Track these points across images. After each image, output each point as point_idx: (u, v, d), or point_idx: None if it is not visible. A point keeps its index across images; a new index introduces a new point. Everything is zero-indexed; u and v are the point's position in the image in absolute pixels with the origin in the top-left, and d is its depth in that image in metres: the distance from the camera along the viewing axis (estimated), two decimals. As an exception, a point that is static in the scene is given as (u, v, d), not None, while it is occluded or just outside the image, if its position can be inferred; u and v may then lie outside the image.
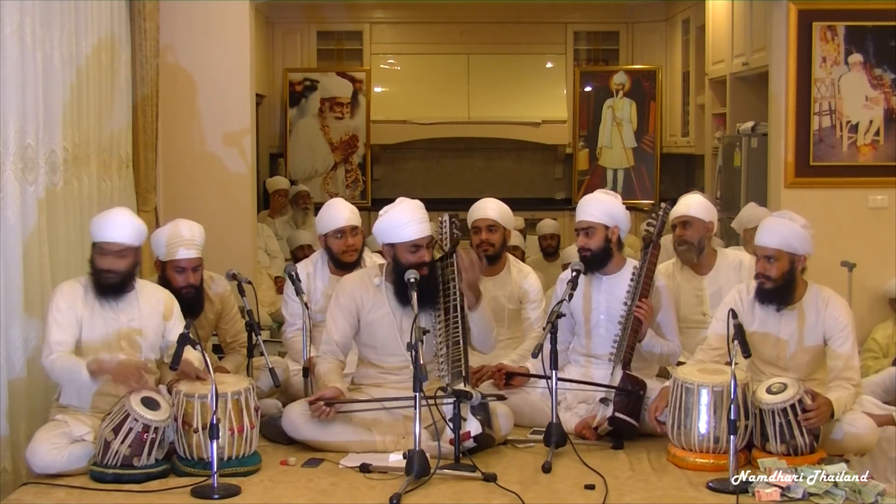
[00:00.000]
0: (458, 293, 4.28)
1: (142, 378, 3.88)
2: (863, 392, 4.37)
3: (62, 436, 3.86)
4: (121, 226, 4.06)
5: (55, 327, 3.95)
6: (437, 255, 4.37)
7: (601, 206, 4.49)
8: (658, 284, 4.51)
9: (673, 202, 4.91)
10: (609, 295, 4.51)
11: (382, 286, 4.32)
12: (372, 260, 5.09)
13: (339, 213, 4.94)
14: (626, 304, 4.42)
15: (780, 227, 4.21)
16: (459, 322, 4.27)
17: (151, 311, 4.15)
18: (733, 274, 4.88)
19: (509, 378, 4.53)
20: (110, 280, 4.05)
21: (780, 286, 4.20)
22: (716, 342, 4.27)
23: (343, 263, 4.92)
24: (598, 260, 4.48)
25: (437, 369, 4.27)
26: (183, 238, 4.48)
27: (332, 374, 4.23)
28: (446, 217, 4.41)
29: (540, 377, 4.18)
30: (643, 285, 4.40)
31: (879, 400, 4.64)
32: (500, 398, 4.29)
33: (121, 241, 4.04)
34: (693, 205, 4.98)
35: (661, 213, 4.58)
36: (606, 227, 4.46)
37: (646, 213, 8.64)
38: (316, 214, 8.58)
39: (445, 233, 4.38)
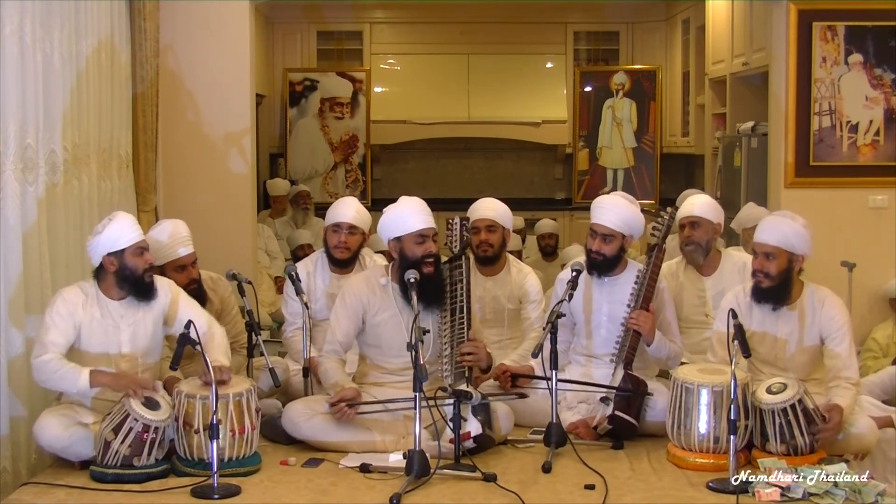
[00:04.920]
0: (464, 295, 4.28)
1: (140, 390, 3.88)
2: (861, 392, 4.37)
3: (70, 416, 3.89)
4: (137, 224, 4.15)
5: (52, 329, 3.95)
6: (447, 257, 4.37)
7: (624, 216, 4.45)
8: (659, 286, 4.50)
9: (675, 207, 4.90)
10: (611, 296, 4.51)
11: (389, 287, 4.32)
12: (373, 261, 5.10)
13: (343, 209, 4.97)
14: (629, 305, 4.42)
15: (780, 224, 4.21)
16: (465, 323, 4.27)
17: (152, 313, 4.14)
18: (737, 276, 4.85)
19: (514, 379, 4.53)
20: (151, 278, 4.10)
21: (777, 285, 4.19)
22: (722, 350, 4.24)
23: (335, 260, 4.93)
24: (608, 265, 4.48)
25: (440, 369, 4.27)
26: (181, 236, 4.54)
27: (341, 374, 4.24)
28: (457, 219, 4.41)
29: (544, 378, 4.18)
30: (647, 289, 4.40)
31: (878, 399, 4.64)
32: (522, 396, 4.31)
33: (144, 237, 4.13)
34: (702, 205, 4.97)
35: (667, 217, 4.57)
36: (624, 237, 4.46)
37: (646, 213, 8.65)
38: (316, 215, 8.68)
39: (455, 235, 4.38)
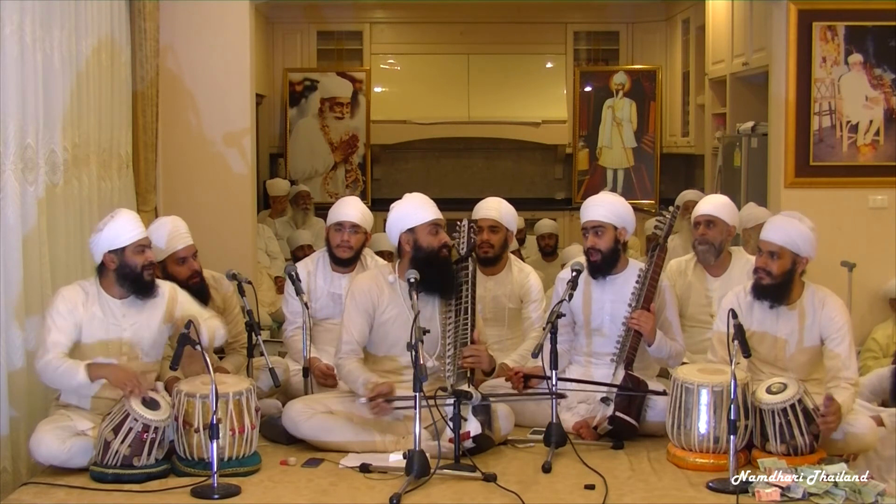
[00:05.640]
0: (469, 297, 4.29)
1: (139, 385, 3.87)
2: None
3: (66, 428, 3.87)
4: (139, 221, 4.16)
5: (53, 329, 3.95)
6: (454, 259, 4.38)
7: (610, 206, 4.48)
8: (661, 285, 4.50)
9: (677, 207, 4.89)
10: (613, 296, 4.51)
11: (397, 284, 4.33)
12: (375, 261, 5.10)
13: (346, 208, 4.98)
14: (630, 305, 4.42)
15: (788, 225, 4.22)
16: (469, 324, 4.28)
17: (154, 313, 4.15)
18: (745, 278, 4.83)
19: (527, 380, 4.51)
20: (151, 276, 4.11)
21: (778, 284, 4.20)
22: (722, 350, 4.23)
23: (337, 259, 4.93)
24: (608, 262, 4.47)
25: (443, 369, 4.28)
26: (180, 231, 4.57)
27: (367, 372, 4.22)
28: (465, 221, 4.45)
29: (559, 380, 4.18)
30: (648, 288, 4.40)
31: (867, 401, 4.64)
32: (561, 396, 4.27)
33: (146, 235, 4.14)
34: (719, 205, 4.97)
35: (669, 216, 4.57)
36: (615, 228, 4.46)
37: (646, 213, 8.67)
38: (316, 215, 8.69)
39: (463, 236, 4.40)
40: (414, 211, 4.28)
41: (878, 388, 4.86)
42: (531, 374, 4.50)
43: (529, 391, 4.40)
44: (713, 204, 4.98)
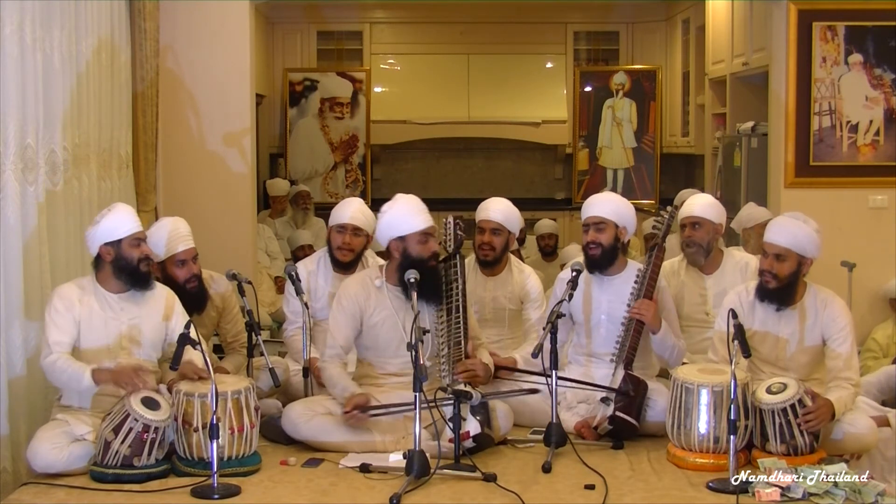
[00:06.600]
0: (460, 294, 4.28)
1: (141, 380, 3.88)
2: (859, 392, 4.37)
3: (63, 435, 3.86)
4: (136, 215, 4.17)
5: (53, 328, 3.96)
6: (442, 256, 4.37)
7: (612, 205, 4.49)
8: (659, 285, 4.50)
9: (676, 207, 4.89)
10: (611, 295, 4.51)
11: (384, 288, 4.32)
12: (375, 260, 5.09)
13: (349, 210, 4.95)
14: (628, 305, 4.42)
15: (793, 227, 4.21)
16: (461, 323, 4.27)
17: (152, 309, 4.16)
18: (738, 275, 4.86)
19: (496, 371, 4.52)
20: (147, 268, 4.12)
21: (783, 286, 4.20)
22: (723, 349, 4.23)
23: (337, 261, 4.93)
24: (606, 258, 4.47)
25: (437, 369, 4.27)
26: (181, 232, 4.55)
27: (347, 379, 4.25)
28: (450, 218, 4.43)
29: (531, 373, 4.18)
30: (648, 286, 4.40)
31: (874, 400, 4.65)
32: (534, 391, 4.29)
33: (142, 229, 4.15)
34: (703, 206, 4.96)
35: (667, 216, 4.57)
36: (616, 226, 4.46)
37: (646, 213, 8.67)
38: (316, 215, 8.69)
39: (450, 234, 4.39)
40: (405, 219, 4.25)
41: (885, 386, 4.87)
42: (500, 366, 4.50)
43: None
44: (698, 205, 4.98)
